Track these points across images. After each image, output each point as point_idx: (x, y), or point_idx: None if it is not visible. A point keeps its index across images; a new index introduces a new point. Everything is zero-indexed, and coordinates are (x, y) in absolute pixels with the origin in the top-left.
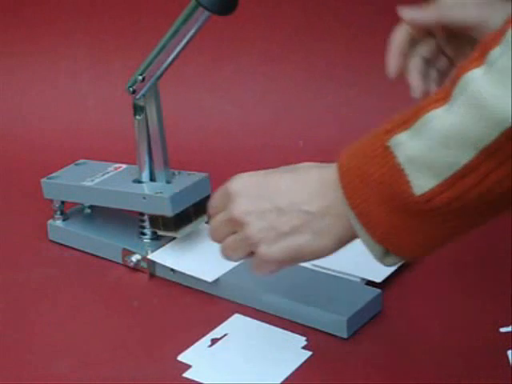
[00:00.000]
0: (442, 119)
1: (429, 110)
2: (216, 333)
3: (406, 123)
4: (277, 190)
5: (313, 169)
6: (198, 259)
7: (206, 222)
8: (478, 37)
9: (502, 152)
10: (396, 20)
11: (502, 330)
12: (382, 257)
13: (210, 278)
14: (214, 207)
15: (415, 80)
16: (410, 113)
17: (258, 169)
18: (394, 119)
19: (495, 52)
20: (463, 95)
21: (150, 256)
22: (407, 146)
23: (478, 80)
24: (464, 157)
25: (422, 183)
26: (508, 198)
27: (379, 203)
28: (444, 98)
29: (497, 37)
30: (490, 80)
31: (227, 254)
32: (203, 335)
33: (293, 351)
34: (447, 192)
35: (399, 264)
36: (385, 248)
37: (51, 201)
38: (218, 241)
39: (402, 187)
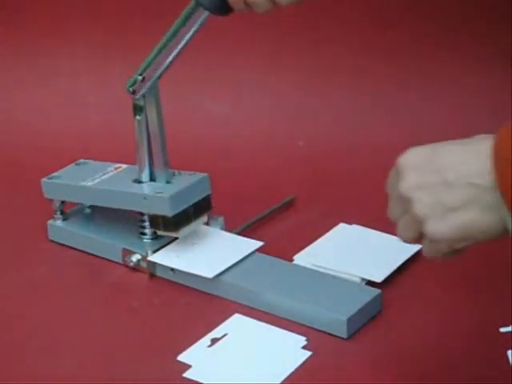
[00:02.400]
0: None
1: None
2: (216, 333)
3: None
4: (446, 163)
5: (486, 140)
6: (197, 258)
7: (206, 223)
8: None
9: None
10: (396, 20)
11: (502, 330)
12: None
13: (210, 275)
14: (389, 185)
15: None
16: None
17: (258, 168)
18: None
19: None
20: None
21: (151, 257)
22: None
23: None
24: None
25: None
26: None
27: None
28: None
29: None
30: None
31: (400, 235)
32: (203, 335)
33: (293, 351)
34: None
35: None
36: None
37: (51, 201)
38: (395, 221)
39: None
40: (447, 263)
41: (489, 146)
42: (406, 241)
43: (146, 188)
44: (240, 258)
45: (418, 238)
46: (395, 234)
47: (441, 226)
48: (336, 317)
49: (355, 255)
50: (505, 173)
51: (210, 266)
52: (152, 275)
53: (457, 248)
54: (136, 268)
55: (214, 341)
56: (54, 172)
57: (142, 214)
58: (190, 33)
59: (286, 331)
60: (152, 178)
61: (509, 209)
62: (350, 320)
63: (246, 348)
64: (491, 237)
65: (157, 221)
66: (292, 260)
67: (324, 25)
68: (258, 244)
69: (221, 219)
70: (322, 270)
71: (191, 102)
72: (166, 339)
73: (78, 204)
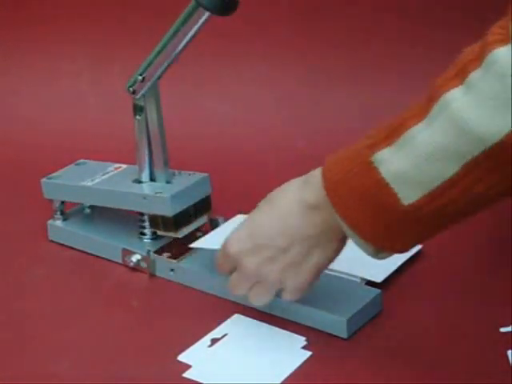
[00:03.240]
0: (423, 135)
1: (409, 126)
2: (216, 333)
3: (387, 139)
4: (269, 234)
5: (288, 196)
6: None
7: (206, 222)
8: None
9: (483, 166)
10: (397, 19)
11: (502, 329)
12: (375, 254)
13: None
14: (221, 269)
15: None
16: (389, 128)
17: (258, 168)
18: (375, 134)
19: (475, 74)
20: (443, 114)
21: (193, 244)
22: (391, 162)
23: (458, 101)
24: (448, 171)
25: (409, 195)
26: (498, 191)
27: (367, 212)
28: (420, 114)
29: (476, 58)
30: (470, 102)
31: (253, 302)
32: (203, 335)
33: (293, 351)
34: (435, 201)
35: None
36: (377, 248)
37: (51, 201)
38: (238, 294)
39: (389, 199)
40: (447, 263)
41: (296, 203)
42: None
43: (146, 188)
44: None
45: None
46: None
47: (299, 280)
48: (336, 317)
49: (355, 255)
50: (336, 193)
51: None
52: (152, 275)
53: None
54: (136, 268)
55: (214, 341)
56: (54, 172)
57: (141, 214)
58: (190, 33)
59: (285, 331)
60: (152, 178)
61: (347, 225)
62: (350, 320)
63: (246, 348)
64: (337, 256)
65: (157, 221)
66: None
67: (324, 25)
68: None
69: (221, 219)
70: None
71: (191, 101)
72: (166, 339)
73: (77, 204)
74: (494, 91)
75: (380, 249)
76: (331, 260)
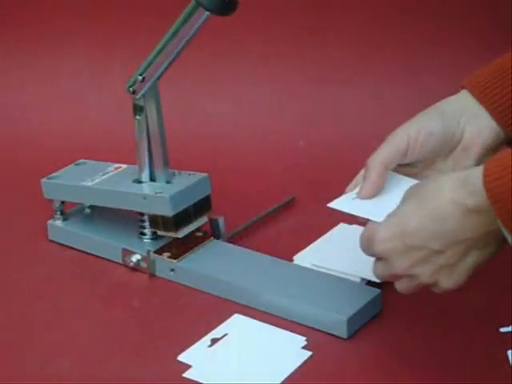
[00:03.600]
0: None
1: None
2: (216, 333)
3: None
4: (423, 237)
5: (445, 195)
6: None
7: (206, 222)
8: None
9: None
10: (397, 20)
11: (502, 329)
12: None
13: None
14: (379, 272)
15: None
16: None
17: (258, 168)
18: None
19: None
20: None
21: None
22: None
23: None
24: None
25: None
26: None
27: None
28: None
29: None
30: None
31: (399, 291)
32: (203, 335)
33: (293, 351)
34: None
35: None
36: None
37: (51, 201)
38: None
39: None
40: None
41: (453, 204)
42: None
43: (146, 188)
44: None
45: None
46: None
47: (453, 280)
48: (336, 317)
49: (355, 255)
50: (498, 200)
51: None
52: (152, 275)
53: None
54: (136, 268)
55: (214, 341)
56: (54, 172)
57: (141, 214)
58: (190, 33)
59: (286, 331)
60: (152, 178)
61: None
62: (350, 320)
63: (246, 348)
64: (494, 256)
65: (157, 221)
66: (292, 260)
67: (324, 25)
68: None
69: (221, 219)
70: (322, 269)
71: (191, 101)
72: (166, 339)
73: (77, 204)
74: None
75: None
76: (488, 260)
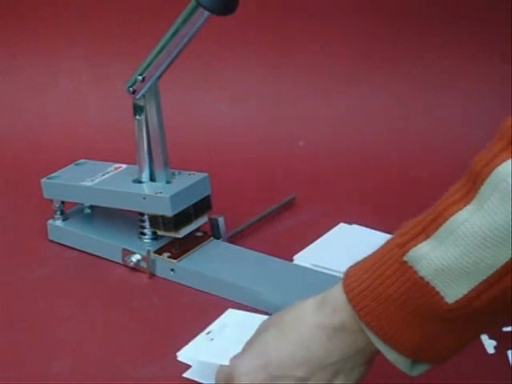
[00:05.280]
0: (473, 220)
1: (450, 213)
2: (213, 327)
3: (423, 233)
4: (287, 365)
5: (303, 323)
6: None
7: (206, 222)
8: None
9: None
10: (397, 21)
11: (505, 329)
12: (410, 368)
13: None
14: None
15: None
16: (425, 220)
17: (258, 168)
18: (406, 230)
19: None
20: (496, 192)
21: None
22: (430, 257)
23: None
24: (502, 257)
25: (454, 292)
26: None
27: (404, 320)
28: (464, 197)
29: None
30: None
31: None
32: None
33: None
34: (486, 294)
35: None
36: (414, 359)
37: (51, 201)
38: None
39: (430, 299)
40: None
41: (313, 328)
42: None
43: (146, 188)
44: None
45: None
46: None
47: None
48: None
49: (355, 255)
50: (364, 305)
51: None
52: (152, 275)
53: None
54: (136, 268)
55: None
56: (53, 172)
57: (141, 214)
58: (190, 33)
59: None
60: (152, 178)
61: (380, 339)
62: None
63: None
64: (360, 381)
65: (157, 221)
66: (292, 260)
67: (324, 26)
68: None
69: (221, 219)
70: (321, 269)
71: (191, 101)
72: (166, 339)
73: (77, 204)
74: None
75: (419, 360)
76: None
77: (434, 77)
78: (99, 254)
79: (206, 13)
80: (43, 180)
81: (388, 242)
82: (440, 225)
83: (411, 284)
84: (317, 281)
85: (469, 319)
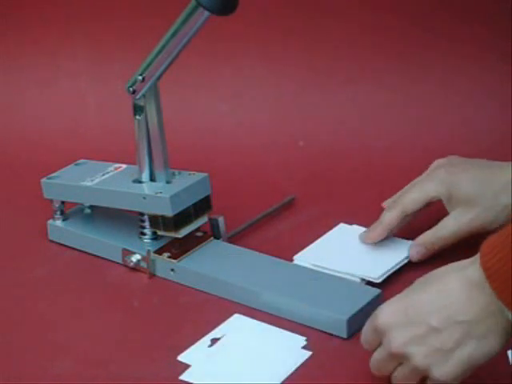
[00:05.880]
0: None
1: None
2: (216, 333)
3: None
4: (425, 310)
5: (451, 274)
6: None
7: (206, 222)
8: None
9: None
10: (397, 19)
11: None
12: None
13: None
14: (367, 343)
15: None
16: None
17: (258, 168)
18: None
19: None
20: None
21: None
22: None
23: None
24: None
25: None
26: None
27: None
28: None
29: None
30: None
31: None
32: (203, 335)
33: (293, 351)
34: None
35: (399, 264)
36: None
37: (51, 201)
38: (386, 375)
39: None
40: (447, 263)
41: (458, 280)
42: None
43: (146, 188)
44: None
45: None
46: (395, 234)
47: (446, 369)
48: (336, 317)
49: (355, 255)
50: (503, 283)
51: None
52: (152, 275)
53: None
54: (136, 268)
55: (214, 341)
56: (53, 172)
57: (141, 214)
58: (190, 33)
59: (286, 331)
60: (152, 178)
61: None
62: (350, 320)
63: (246, 348)
64: (498, 353)
65: (157, 221)
66: (292, 260)
67: (324, 24)
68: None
69: (221, 219)
70: (321, 269)
71: (191, 101)
72: (166, 339)
73: (77, 204)
74: None
75: None
76: (486, 358)
77: (434, 77)
78: (99, 254)
79: (206, 13)
80: (43, 180)
81: None
82: None
83: None
84: (317, 281)
85: None
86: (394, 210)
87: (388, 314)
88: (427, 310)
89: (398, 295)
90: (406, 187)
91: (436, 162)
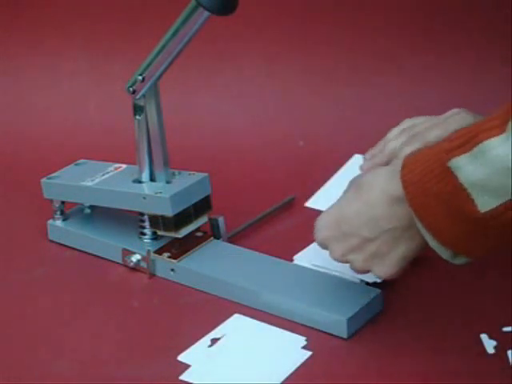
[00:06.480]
0: (500, 150)
1: (485, 137)
2: (216, 333)
3: (463, 146)
4: (355, 223)
5: (376, 187)
6: None
7: (207, 222)
8: None
9: None
10: (397, 20)
11: (505, 329)
12: (452, 258)
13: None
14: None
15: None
16: (465, 135)
17: (258, 168)
18: (452, 138)
19: None
20: None
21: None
22: (467, 169)
23: None
24: None
25: (485, 202)
26: None
27: (445, 215)
28: (499, 126)
29: None
30: None
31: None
32: (203, 335)
33: (293, 351)
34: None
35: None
36: (454, 251)
37: (51, 201)
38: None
39: (466, 205)
40: (447, 263)
41: (382, 193)
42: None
43: (146, 188)
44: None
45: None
46: None
47: (385, 269)
48: (336, 317)
49: None
50: (414, 194)
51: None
52: (152, 275)
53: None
54: (136, 268)
55: (214, 341)
56: (53, 172)
57: (141, 214)
58: (190, 33)
59: (286, 331)
60: (152, 178)
61: (424, 227)
62: (350, 320)
63: (246, 348)
64: (422, 250)
65: (157, 221)
66: (292, 260)
67: (324, 25)
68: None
69: (221, 219)
70: (321, 269)
71: (191, 101)
72: (166, 339)
73: (77, 204)
74: None
75: (457, 252)
76: (417, 253)
77: (435, 78)
78: (99, 254)
79: (206, 13)
80: (43, 180)
81: (438, 144)
82: (476, 144)
83: (452, 187)
84: (317, 281)
85: (498, 228)
86: (416, 144)
87: (323, 228)
88: (357, 223)
89: (332, 204)
90: (419, 128)
91: (451, 111)
